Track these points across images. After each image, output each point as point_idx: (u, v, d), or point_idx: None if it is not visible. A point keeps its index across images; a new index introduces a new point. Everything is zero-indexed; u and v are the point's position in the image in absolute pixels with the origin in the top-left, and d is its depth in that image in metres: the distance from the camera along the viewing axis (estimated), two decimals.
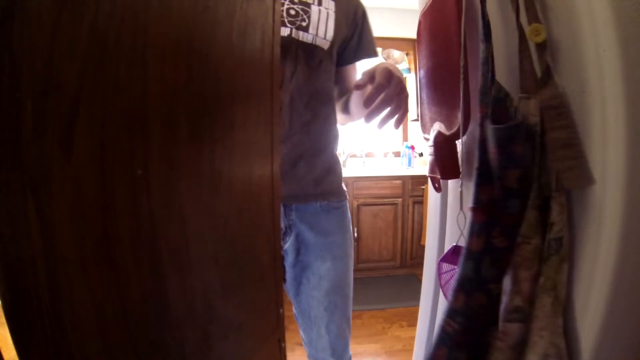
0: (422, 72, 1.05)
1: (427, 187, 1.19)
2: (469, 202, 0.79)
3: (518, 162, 0.49)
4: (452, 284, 0.57)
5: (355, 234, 2.67)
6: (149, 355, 0.36)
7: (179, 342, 0.37)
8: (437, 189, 1.00)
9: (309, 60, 0.77)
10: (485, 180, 0.53)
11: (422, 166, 2.98)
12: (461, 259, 0.55)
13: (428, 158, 0.94)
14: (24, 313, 0.30)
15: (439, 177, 0.89)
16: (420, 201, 2.73)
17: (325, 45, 0.78)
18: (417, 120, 2.13)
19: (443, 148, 0.85)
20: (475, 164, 0.54)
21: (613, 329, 0.42)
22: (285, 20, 0.74)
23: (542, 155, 0.48)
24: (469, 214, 0.72)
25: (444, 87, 0.88)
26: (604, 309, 0.43)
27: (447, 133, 0.83)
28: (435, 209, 1.07)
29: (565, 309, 0.46)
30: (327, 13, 0.78)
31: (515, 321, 0.48)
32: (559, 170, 0.46)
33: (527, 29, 0.50)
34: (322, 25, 0.77)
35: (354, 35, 0.85)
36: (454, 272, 0.78)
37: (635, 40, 0.39)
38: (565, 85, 0.48)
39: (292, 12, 0.74)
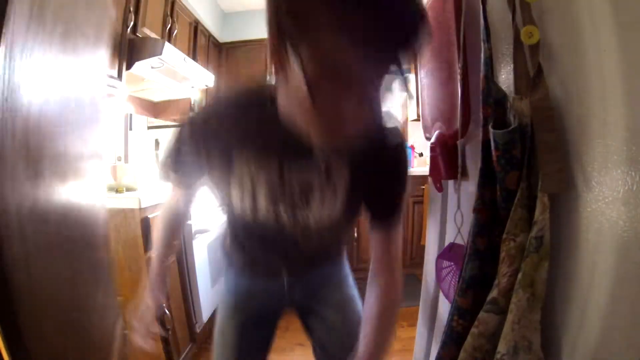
0: (423, 72, 1.05)
1: (427, 187, 1.18)
2: (468, 201, 0.80)
3: (517, 164, 0.49)
4: (458, 284, 0.57)
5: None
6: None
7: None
8: (439, 189, 1.00)
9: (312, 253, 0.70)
10: (488, 181, 0.53)
11: (422, 166, 2.97)
12: (465, 259, 0.55)
13: (429, 158, 0.95)
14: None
15: (440, 177, 0.89)
16: (420, 201, 2.72)
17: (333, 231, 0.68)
18: (417, 120, 2.14)
19: (444, 148, 0.85)
20: (480, 165, 0.55)
21: (598, 327, 0.42)
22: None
23: (531, 156, 0.49)
24: (470, 215, 0.72)
25: (444, 87, 0.88)
26: (593, 308, 0.43)
27: (448, 133, 0.83)
28: (435, 208, 1.07)
29: (546, 306, 0.47)
30: (336, 189, 0.63)
31: (490, 312, 0.50)
32: (543, 172, 0.47)
33: (521, 31, 0.50)
34: (327, 206, 0.64)
35: (379, 193, 0.66)
36: (451, 268, 0.78)
37: (636, 39, 0.39)
38: (562, 86, 0.48)
39: (289, 201, 0.65)
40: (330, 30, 0.39)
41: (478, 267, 0.54)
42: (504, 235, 0.50)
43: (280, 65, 0.46)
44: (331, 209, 0.63)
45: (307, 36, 0.40)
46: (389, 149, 0.59)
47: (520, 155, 0.49)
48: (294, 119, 0.52)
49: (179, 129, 0.64)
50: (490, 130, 0.51)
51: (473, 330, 0.51)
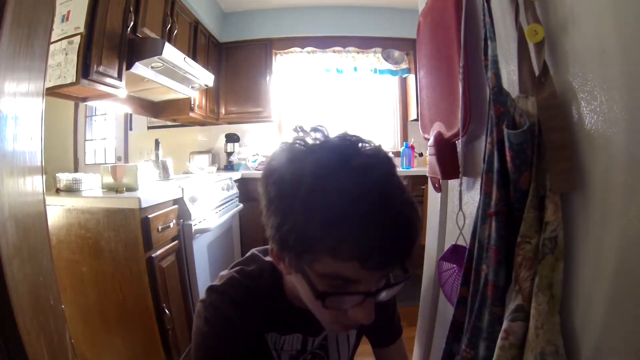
0: (422, 72, 1.05)
1: (427, 187, 1.18)
2: (469, 202, 0.80)
3: (530, 164, 0.48)
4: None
5: None
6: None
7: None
8: (437, 189, 1.00)
9: None
10: (506, 181, 0.52)
11: (422, 166, 2.98)
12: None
13: (428, 158, 0.94)
14: None
15: (439, 177, 0.89)
16: (420, 201, 2.72)
17: None
18: (417, 120, 2.14)
19: (443, 148, 0.85)
20: (497, 166, 0.53)
21: (614, 328, 0.42)
22: None
23: (539, 155, 0.48)
24: (471, 215, 0.72)
25: (444, 87, 0.88)
26: (605, 308, 0.42)
27: (447, 133, 0.83)
28: (435, 209, 1.07)
29: (563, 308, 0.46)
30: (347, 335, 0.70)
31: (519, 320, 0.47)
32: (552, 172, 0.47)
33: (525, 29, 0.50)
34: (343, 351, 0.70)
35: (383, 325, 0.75)
36: (453, 271, 0.78)
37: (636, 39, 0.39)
38: (566, 85, 0.48)
39: (309, 357, 0.66)
40: (342, 258, 0.40)
41: (504, 275, 0.52)
42: (519, 239, 0.49)
43: (284, 268, 0.49)
44: (348, 350, 0.69)
45: (315, 257, 0.42)
46: None
47: (531, 155, 0.48)
48: (298, 300, 0.54)
49: (201, 343, 0.58)
50: (505, 130, 0.50)
51: (503, 343, 0.48)
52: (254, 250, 0.68)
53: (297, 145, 0.46)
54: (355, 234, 0.39)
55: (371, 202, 0.39)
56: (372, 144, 0.46)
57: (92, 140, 3.13)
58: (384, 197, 0.41)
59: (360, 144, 0.45)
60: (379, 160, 0.44)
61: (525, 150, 0.48)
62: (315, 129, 0.47)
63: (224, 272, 0.64)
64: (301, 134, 0.47)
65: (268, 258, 0.63)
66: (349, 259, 0.40)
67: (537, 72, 0.50)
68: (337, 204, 0.39)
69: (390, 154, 0.46)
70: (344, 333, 0.68)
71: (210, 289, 0.60)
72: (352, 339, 0.70)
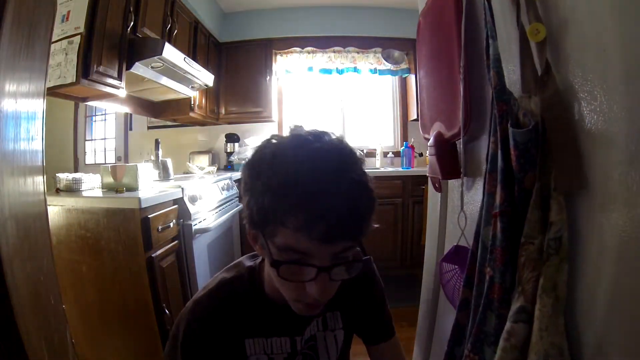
0: (422, 72, 1.05)
1: (427, 187, 1.19)
2: (468, 202, 0.80)
3: (534, 163, 0.48)
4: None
5: None
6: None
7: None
8: (438, 189, 1.00)
9: None
10: (510, 181, 0.51)
11: (422, 166, 2.98)
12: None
13: (428, 158, 0.94)
14: None
15: (439, 177, 0.89)
16: (420, 201, 2.72)
17: None
18: (417, 120, 2.14)
19: (444, 148, 0.85)
20: (501, 165, 0.53)
21: (618, 330, 0.42)
22: None
23: (542, 155, 0.48)
24: (472, 216, 0.72)
25: (444, 87, 0.88)
26: (610, 310, 0.42)
27: (448, 133, 0.83)
28: (435, 209, 1.07)
29: (567, 310, 0.46)
30: (335, 335, 0.69)
31: (521, 322, 0.47)
32: (556, 172, 0.46)
33: (527, 28, 0.49)
34: (332, 351, 0.69)
35: (371, 319, 0.74)
36: (455, 272, 0.78)
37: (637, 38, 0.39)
38: (567, 85, 0.48)
39: (300, 358, 0.67)
40: (292, 228, 0.44)
41: (511, 275, 0.52)
42: (522, 239, 0.48)
43: (259, 249, 0.53)
44: (336, 350, 0.69)
45: (274, 230, 0.46)
46: (361, 278, 0.61)
47: (535, 155, 0.48)
48: (276, 294, 0.57)
49: (180, 340, 0.60)
50: (510, 129, 0.49)
51: (504, 344, 0.47)
52: (242, 257, 0.70)
53: (272, 140, 0.51)
54: (300, 205, 0.43)
55: (318, 177, 0.43)
56: (338, 137, 0.50)
57: (92, 140, 3.14)
58: (333, 174, 0.44)
59: (325, 136, 0.49)
60: (341, 147, 0.48)
61: (530, 150, 0.48)
62: (291, 129, 0.52)
63: (209, 282, 0.67)
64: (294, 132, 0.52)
65: (251, 263, 0.66)
66: (297, 229, 0.43)
67: (539, 71, 0.49)
68: (289, 177, 0.43)
69: (356, 148, 0.50)
70: (328, 334, 0.69)
71: (191, 302, 0.64)
72: (339, 338, 0.70)
